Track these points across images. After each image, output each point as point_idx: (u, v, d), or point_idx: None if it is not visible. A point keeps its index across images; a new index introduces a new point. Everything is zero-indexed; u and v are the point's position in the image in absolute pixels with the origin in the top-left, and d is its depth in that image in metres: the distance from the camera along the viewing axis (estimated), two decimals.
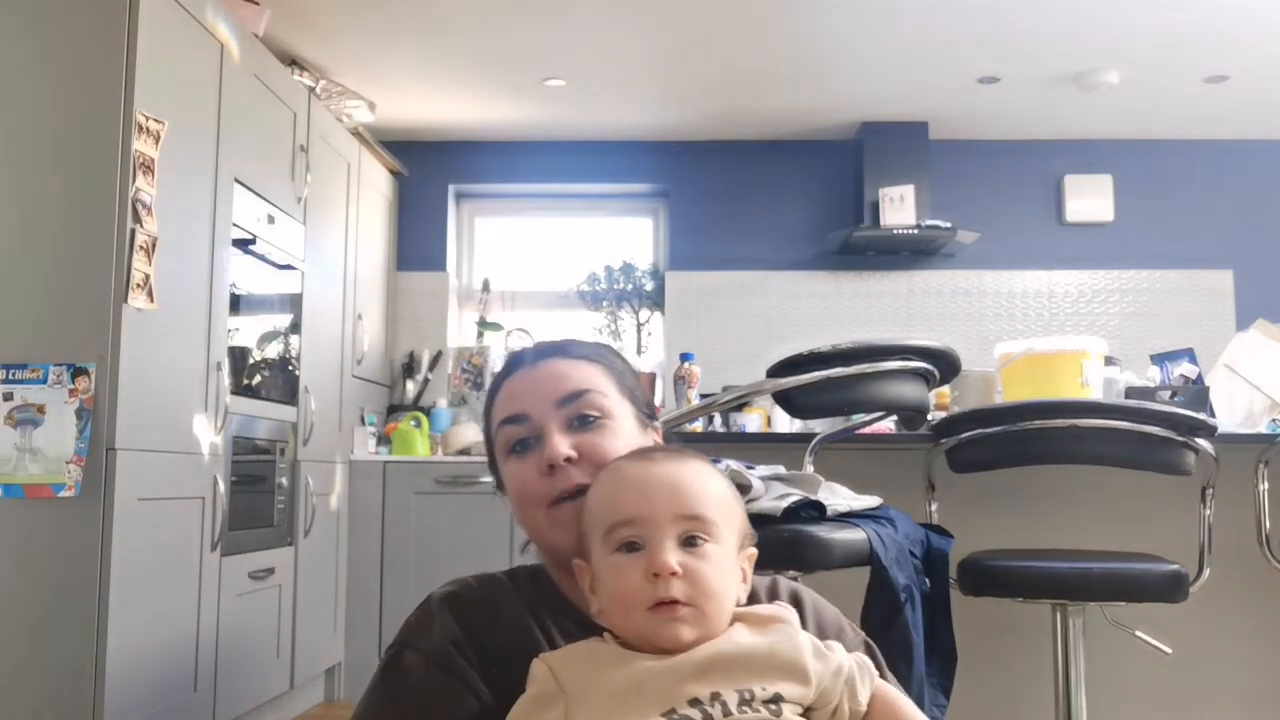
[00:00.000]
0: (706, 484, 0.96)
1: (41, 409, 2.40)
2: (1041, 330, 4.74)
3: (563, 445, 1.03)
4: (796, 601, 1.09)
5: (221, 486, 2.90)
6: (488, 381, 4.67)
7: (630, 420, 1.09)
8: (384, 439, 4.28)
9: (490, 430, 1.12)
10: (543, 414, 1.05)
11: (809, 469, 2.19)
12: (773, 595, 1.08)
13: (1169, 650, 2.18)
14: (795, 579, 1.90)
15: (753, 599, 1.01)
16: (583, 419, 1.06)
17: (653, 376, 4.45)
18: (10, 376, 2.41)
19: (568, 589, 1.06)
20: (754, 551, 0.99)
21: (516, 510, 1.07)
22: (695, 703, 0.86)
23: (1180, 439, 2.04)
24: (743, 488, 1.86)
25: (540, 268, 5.10)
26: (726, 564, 0.94)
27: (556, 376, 1.08)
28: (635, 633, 0.91)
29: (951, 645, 2.00)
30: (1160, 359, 3.01)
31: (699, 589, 0.90)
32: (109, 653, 2.38)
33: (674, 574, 0.90)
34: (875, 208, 4.61)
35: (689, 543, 0.92)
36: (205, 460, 2.85)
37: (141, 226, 2.51)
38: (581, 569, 0.97)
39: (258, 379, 3.27)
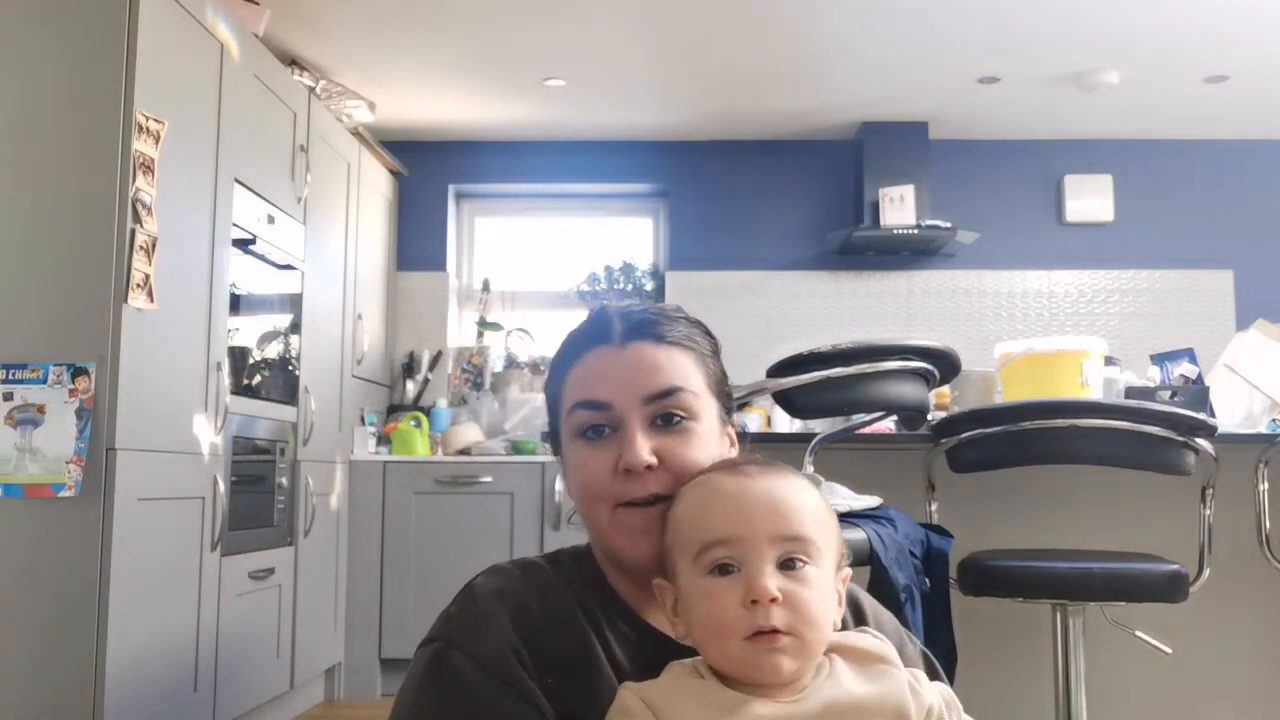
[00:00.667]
0: (805, 501, 0.90)
1: (41, 409, 2.40)
2: (1041, 330, 4.74)
3: (644, 450, 0.95)
4: (857, 609, 1.04)
5: (221, 486, 2.90)
6: (488, 382, 4.67)
7: (714, 421, 1.02)
8: (384, 439, 4.28)
9: (559, 400, 1.03)
10: (626, 407, 0.97)
11: (809, 469, 2.18)
12: None
13: (1169, 650, 2.18)
14: None
15: None
16: (667, 418, 0.98)
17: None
18: (10, 376, 2.41)
19: (618, 584, 1.00)
20: (849, 572, 0.94)
21: (578, 499, 1.00)
22: None
23: (1180, 439, 2.03)
24: None
25: (540, 268, 5.10)
26: (826, 587, 0.88)
27: (648, 367, 0.99)
28: (731, 663, 0.86)
29: (951, 645, 2.00)
30: (1160, 359, 3.01)
31: (800, 616, 0.85)
32: (109, 653, 2.38)
33: (774, 600, 0.84)
34: (875, 208, 4.61)
35: (787, 565, 0.86)
36: (205, 460, 2.85)
37: (141, 226, 2.51)
38: (663, 589, 0.92)
39: (258, 379, 3.27)
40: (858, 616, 1.04)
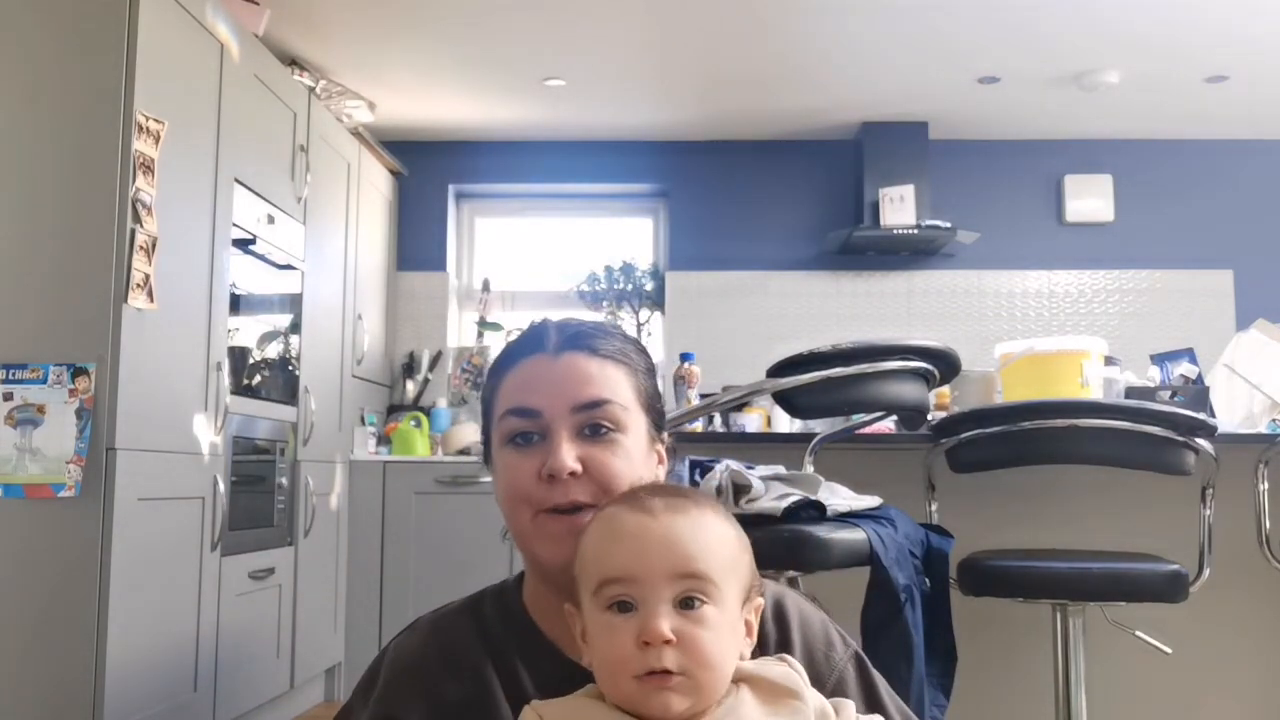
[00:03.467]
0: (709, 537, 0.88)
1: (41, 409, 2.40)
2: (1041, 330, 4.75)
3: (569, 458, 0.97)
4: (780, 613, 1.04)
5: (221, 486, 2.90)
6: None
7: (642, 435, 1.04)
8: (384, 439, 4.28)
9: (492, 407, 1.05)
10: (555, 415, 0.99)
11: (809, 469, 2.18)
12: None
13: (1169, 650, 2.18)
14: (794, 580, 1.90)
15: None
16: (595, 428, 1.00)
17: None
18: (10, 376, 2.41)
19: (543, 619, 1.02)
20: (760, 603, 0.93)
21: (503, 502, 1.02)
22: None
23: (1180, 439, 2.03)
24: (742, 488, 1.86)
25: (540, 268, 5.10)
26: (726, 626, 0.87)
27: (578, 378, 1.01)
28: (623, 699, 0.86)
29: (951, 645, 2.00)
30: (1160, 359, 3.01)
31: (694, 658, 0.84)
32: (109, 653, 2.38)
33: (667, 642, 0.84)
34: (875, 208, 4.61)
35: (686, 604, 0.85)
36: (205, 460, 2.85)
37: (141, 226, 2.51)
38: (572, 615, 0.92)
39: (258, 379, 3.27)
40: (780, 623, 1.03)
